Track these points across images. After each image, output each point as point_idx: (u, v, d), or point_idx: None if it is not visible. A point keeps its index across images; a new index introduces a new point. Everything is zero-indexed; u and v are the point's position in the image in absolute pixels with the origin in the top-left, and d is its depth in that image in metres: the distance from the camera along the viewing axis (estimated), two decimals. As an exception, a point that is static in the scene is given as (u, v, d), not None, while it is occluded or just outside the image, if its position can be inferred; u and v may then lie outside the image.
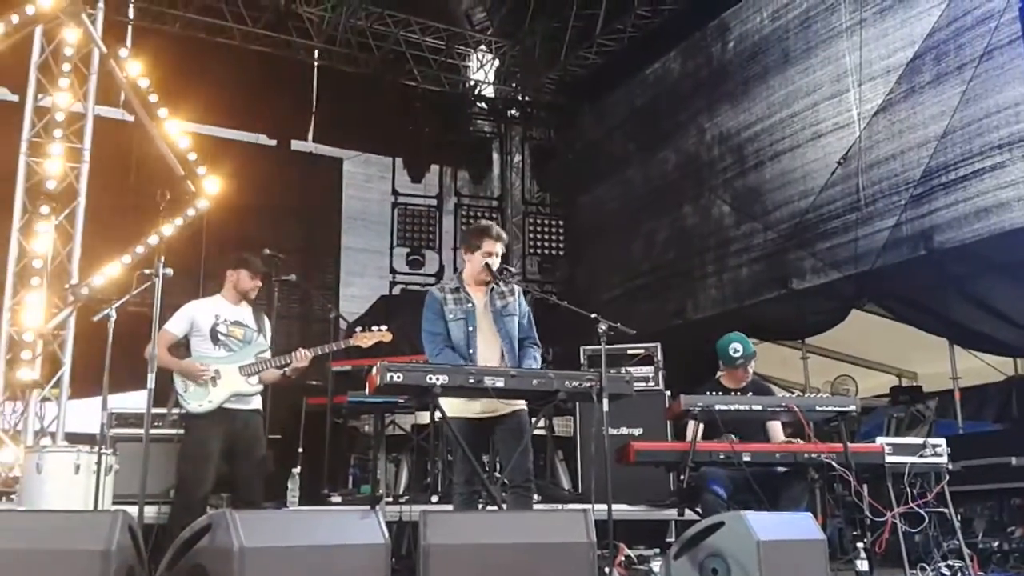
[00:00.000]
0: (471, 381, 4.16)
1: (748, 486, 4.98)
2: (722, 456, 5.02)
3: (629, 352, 7.36)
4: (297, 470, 6.32)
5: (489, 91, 13.79)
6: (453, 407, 4.40)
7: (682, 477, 5.05)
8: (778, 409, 5.30)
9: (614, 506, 4.36)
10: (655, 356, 7.40)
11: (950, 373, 7.96)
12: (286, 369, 5.20)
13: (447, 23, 12.63)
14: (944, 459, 5.32)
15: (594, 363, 6.94)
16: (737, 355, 5.57)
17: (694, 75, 10.77)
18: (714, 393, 5.45)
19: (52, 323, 7.18)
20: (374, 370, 4.16)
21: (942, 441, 5.40)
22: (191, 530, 3.27)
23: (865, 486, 5.07)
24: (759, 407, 5.20)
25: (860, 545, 5.00)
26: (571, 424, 7.68)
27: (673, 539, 5.98)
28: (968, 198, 7.32)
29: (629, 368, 7.24)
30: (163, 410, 5.75)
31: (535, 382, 4.30)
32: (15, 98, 8.82)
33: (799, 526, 4.25)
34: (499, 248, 4.64)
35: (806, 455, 5.07)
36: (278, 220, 11.18)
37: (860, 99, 8.34)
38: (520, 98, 13.88)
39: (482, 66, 13.58)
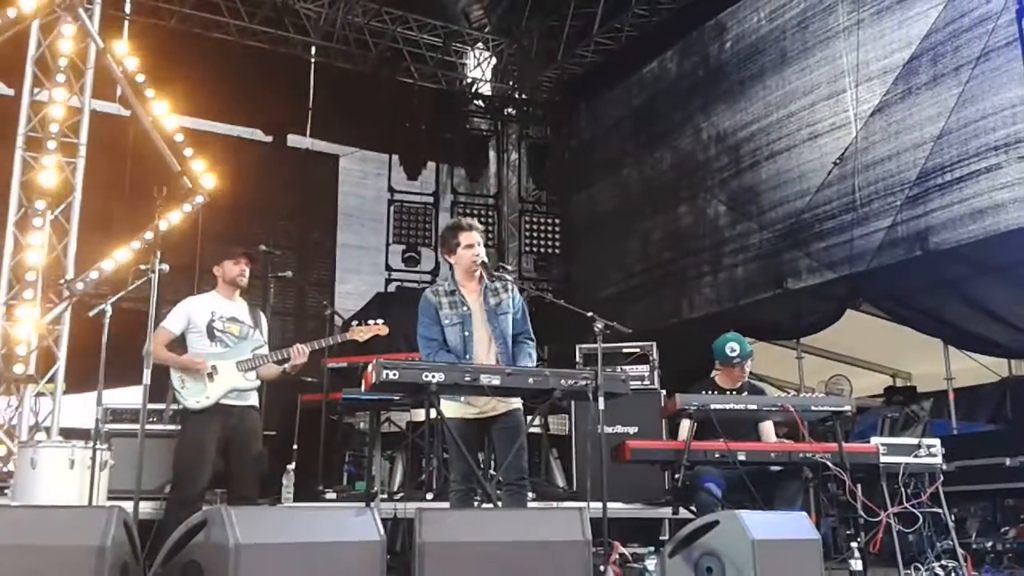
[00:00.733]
0: (467, 379, 4.14)
1: (743, 485, 4.98)
2: (717, 455, 5.03)
3: (625, 351, 7.36)
4: (292, 467, 6.32)
5: (486, 89, 13.80)
6: (450, 410, 4.39)
7: (677, 476, 5.05)
8: (773, 409, 5.31)
9: (609, 504, 4.36)
10: (651, 355, 7.38)
11: (944, 374, 7.99)
12: (286, 366, 5.19)
13: (444, 20, 12.63)
14: (938, 459, 5.35)
15: (590, 361, 6.94)
16: (734, 354, 5.57)
17: (691, 74, 10.78)
18: (709, 392, 5.46)
19: (47, 318, 7.15)
20: (369, 367, 4.15)
21: (936, 441, 5.43)
22: (187, 526, 3.26)
23: (859, 486, 5.09)
24: (754, 407, 5.21)
25: (854, 545, 5.01)
26: (566, 422, 7.68)
27: (667, 537, 5.99)
28: (964, 199, 7.34)
29: (625, 367, 7.26)
30: (161, 405, 5.74)
31: (531, 380, 4.28)
32: (11, 92, 8.79)
33: (794, 525, 4.26)
34: (476, 236, 4.57)
35: (801, 455, 5.08)
36: (274, 216, 11.20)
37: (857, 100, 8.36)
38: (517, 96, 13.88)
39: (479, 64, 13.59)
